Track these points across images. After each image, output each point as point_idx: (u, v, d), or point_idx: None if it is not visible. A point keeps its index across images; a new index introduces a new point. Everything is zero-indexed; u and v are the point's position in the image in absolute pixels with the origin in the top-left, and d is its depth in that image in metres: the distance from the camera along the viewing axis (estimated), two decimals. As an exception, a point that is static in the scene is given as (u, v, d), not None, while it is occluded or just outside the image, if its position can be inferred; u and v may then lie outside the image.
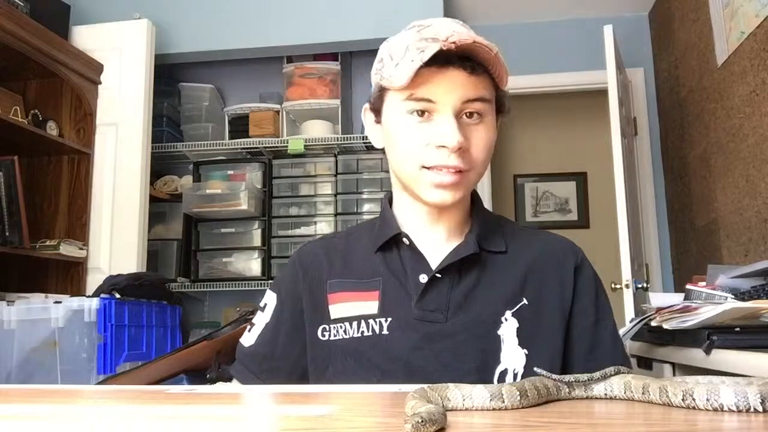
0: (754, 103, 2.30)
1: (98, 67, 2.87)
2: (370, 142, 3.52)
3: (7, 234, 2.33)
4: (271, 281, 3.23)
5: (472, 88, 0.85)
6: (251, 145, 3.39)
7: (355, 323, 0.89)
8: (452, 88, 0.84)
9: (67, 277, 2.68)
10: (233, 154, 3.54)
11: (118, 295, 2.23)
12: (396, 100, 0.88)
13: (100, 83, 2.88)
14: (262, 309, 0.98)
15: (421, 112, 0.86)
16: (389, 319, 0.87)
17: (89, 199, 2.76)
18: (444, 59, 0.83)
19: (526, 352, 0.85)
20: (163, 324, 2.48)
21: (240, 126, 3.46)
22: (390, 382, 0.83)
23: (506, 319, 0.86)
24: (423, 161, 0.86)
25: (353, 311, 0.90)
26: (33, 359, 2.08)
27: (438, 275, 0.89)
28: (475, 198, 0.98)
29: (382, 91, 0.91)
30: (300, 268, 0.97)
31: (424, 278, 0.89)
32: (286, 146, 3.33)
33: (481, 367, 0.84)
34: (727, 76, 2.52)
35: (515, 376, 0.84)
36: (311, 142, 3.32)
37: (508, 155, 4.80)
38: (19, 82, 2.80)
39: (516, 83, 3.65)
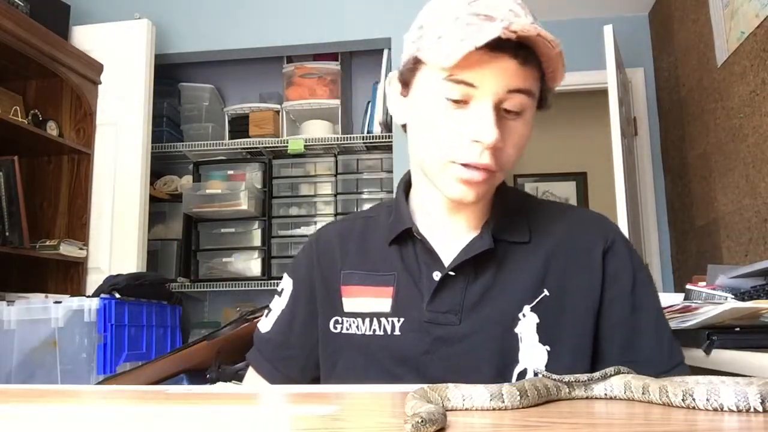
0: (754, 103, 2.30)
1: (98, 67, 2.87)
2: (369, 142, 3.50)
3: (7, 234, 2.33)
4: (271, 281, 3.24)
5: (520, 79, 0.75)
6: (251, 145, 3.39)
7: (367, 320, 0.84)
8: (499, 76, 0.74)
9: (67, 277, 2.68)
10: (233, 154, 3.54)
11: (118, 295, 2.22)
12: (432, 78, 0.77)
13: (100, 83, 2.88)
14: (279, 294, 0.95)
15: (459, 100, 0.76)
16: (401, 320, 0.83)
17: (89, 199, 2.76)
18: (496, 43, 0.72)
19: (548, 349, 0.79)
20: (163, 324, 2.48)
21: (240, 126, 3.46)
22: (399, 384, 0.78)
23: (524, 315, 0.80)
24: (452, 156, 0.77)
25: (366, 307, 0.85)
26: (33, 359, 2.08)
27: (451, 273, 0.82)
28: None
29: (417, 63, 0.80)
30: (315, 253, 0.92)
31: (437, 275, 0.82)
32: (286, 146, 3.33)
33: (498, 368, 0.79)
34: (727, 76, 2.52)
35: (536, 375, 0.78)
36: (311, 142, 3.32)
37: (508, 155, 4.80)
38: (19, 82, 2.80)
39: (516, 83, 3.65)
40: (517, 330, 0.79)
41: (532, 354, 0.79)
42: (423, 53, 0.77)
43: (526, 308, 0.80)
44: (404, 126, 0.86)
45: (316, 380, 0.91)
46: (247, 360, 0.97)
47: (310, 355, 0.90)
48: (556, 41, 0.73)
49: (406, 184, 0.92)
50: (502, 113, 0.76)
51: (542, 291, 0.81)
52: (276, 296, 0.95)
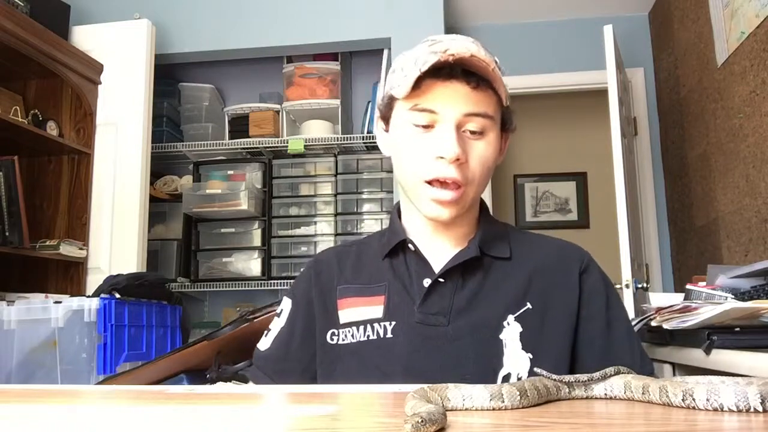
0: (754, 103, 2.30)
1: (98, 67, 2.87)
2: (370, 142, 3.54)
3: (7, 234, 2.33)
4: (271, 281, 3.25)
5: (474, 103, 0.87)
6: (251, 145, 3.39)
7: (361, 327, 0.91)
8: (454, 100, 0.86)
9: (67, 277, 2.68)
10: (233, 154, 3.54)
11: (118, 295, 2.22)
12: (402, 110, 0.91)
13: (100, 83, 2.88)
14: (279, 315, 1.01)
15: (425, 126, 0.88)
16: (393, 323, 0.89)
17: (89, 199, 2.76)
18: (448, 73, 0.86)
19: (531, 357, 0.85)
20: (163, 324, 2.47)
21: (240, 126, 3.46)
22: (390, 384, 0.83)
23: (508, 323, 0.87)
24: (424, 175, 0.88)
25: (360, 316, 0.92)
26: (33, 359, 2.07)
27: (441, 279, 0.90)
28: (482, 207, 1.00)
29: (391, 100, 0.94)
30: (313, 272, 1.00)
31: (428, 282, 0.90)
32: (286, 146, 3.33)
33: (483, 370, 0.85)
34: (727, 76, 2.52)
35: (519, 380, 0.83)
36: (311, 142, 3.32)
37: (508, 155, 4.77)
38: (19, 82, 2.80)
39: (516, 83, 3.65)
40: (501, 336, 0.87)
41: (516, 359, 0.86)
42: (392, 90, 0.91)
43: (510, 317, 0.88)
44: (391, 158, 0.98)
45: None
46: (248, 378, 1.02)
47: (308, 368, 0.95)
48: (489, 60, 0.85)
49: (398, 211, 1.01)
50: (466, 134, 0.88)
51: (525, 304, 0.89)
52: (276, 318, 1.01)
